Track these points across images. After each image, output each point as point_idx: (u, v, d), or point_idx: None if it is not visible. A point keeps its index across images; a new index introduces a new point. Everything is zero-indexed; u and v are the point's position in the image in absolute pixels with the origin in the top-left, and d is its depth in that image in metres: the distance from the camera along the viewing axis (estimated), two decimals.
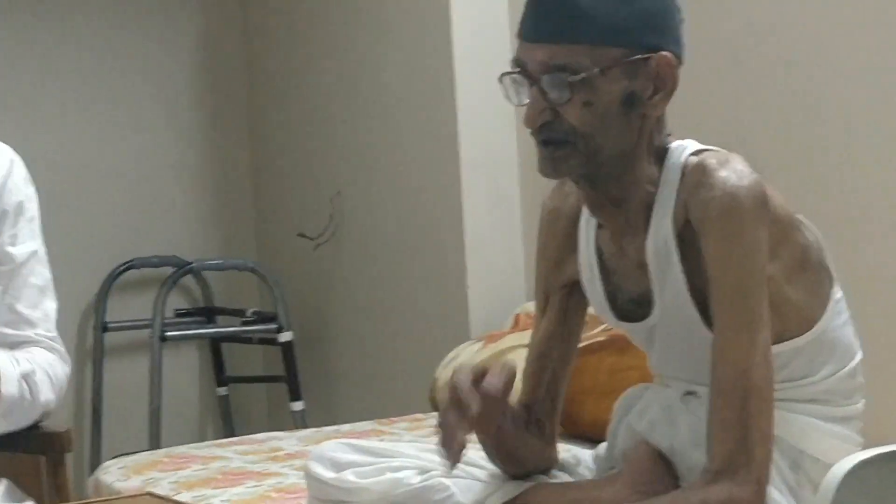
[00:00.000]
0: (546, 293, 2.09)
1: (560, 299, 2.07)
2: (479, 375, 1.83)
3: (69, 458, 2.43)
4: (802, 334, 1.91)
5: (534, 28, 1.85)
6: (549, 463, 2.10)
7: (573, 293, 2.07)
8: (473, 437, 1.99)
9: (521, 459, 2.04)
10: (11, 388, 2.21)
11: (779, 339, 1.86)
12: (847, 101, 2.94)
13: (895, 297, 2.86)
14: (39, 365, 2.31)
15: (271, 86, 4.85)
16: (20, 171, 2.37)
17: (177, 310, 4.81)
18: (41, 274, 2.37)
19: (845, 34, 2.92)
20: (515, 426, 2.01)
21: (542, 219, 2.09)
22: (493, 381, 1.83)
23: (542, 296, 2.10)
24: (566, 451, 2.22)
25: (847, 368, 1.96)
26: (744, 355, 1.78)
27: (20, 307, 2.33)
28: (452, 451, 1.83)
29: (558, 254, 2.06)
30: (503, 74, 1.89)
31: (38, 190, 2.42)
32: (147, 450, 3.81)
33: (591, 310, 2.11)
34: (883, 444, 1.11)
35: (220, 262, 4.73)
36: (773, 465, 1.81)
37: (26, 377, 2.26)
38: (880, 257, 2.87)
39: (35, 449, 2.37)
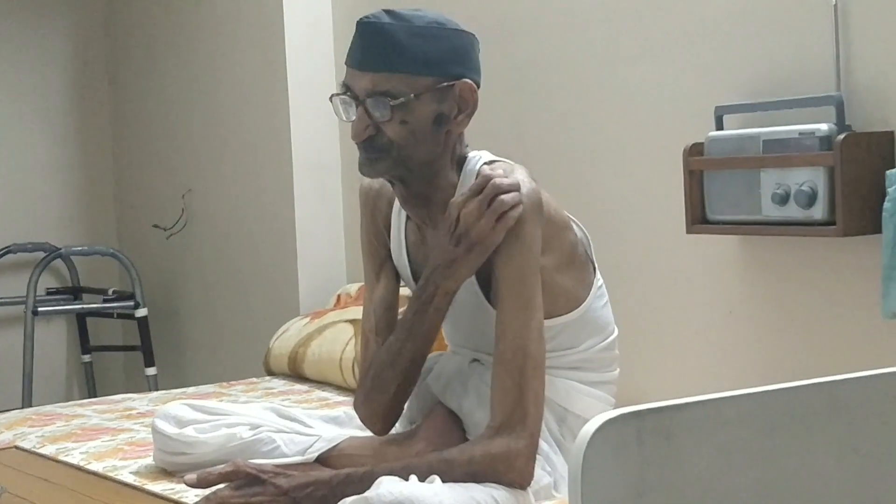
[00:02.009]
0: (378, 261, 2.05)
1: (392, 267, 2.05)
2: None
3: None
4: (569, 313, 1.94)
5: (360, 58, 1.85)
6: None
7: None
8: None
9: None
10: None
11: (549, 316, 1.88)
12: (605, 122, 2.98)
13: (645, 285, 2.90)
14: None
15: (131, 94, 4.73)
16: None
17: (48, 289, 4.70)
18: None
19: (612, 69, 2.97)
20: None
21: (367, 197, 2.06)
22: None
23: (373, 264, 2.06)
24: None
25: (605, 342, 2.00)
26: (521, 332, 1.79)
27: None
28: None
29: (381, 227, 2.05)
30: (333, 95, 1.89)
31: None
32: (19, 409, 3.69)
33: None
34: (628, 406, 1.13)
35: (85, 248, 4.62)
36: (543, 422, 1.83)
37: None
38: (634, 251, 2.92)
39: None
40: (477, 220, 1.79)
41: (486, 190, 1.80)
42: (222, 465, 1.80)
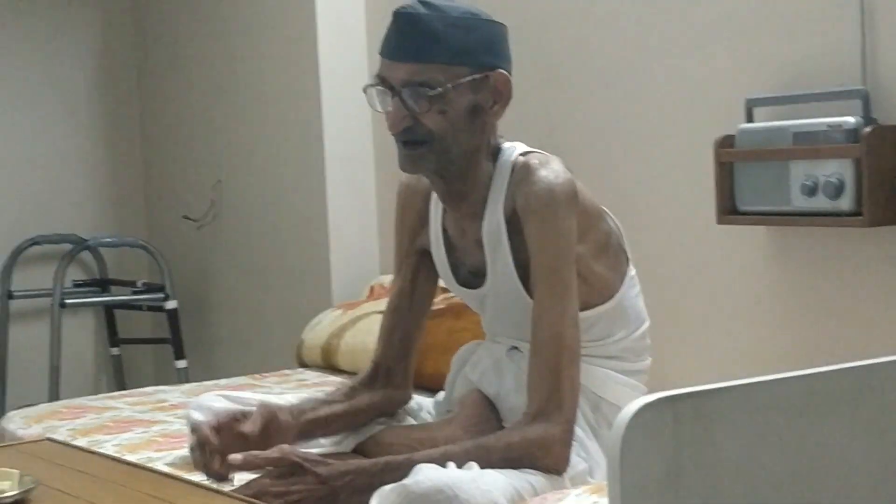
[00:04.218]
0: (402, 257, 2.11)
1: (413, 263, 2.10)
2: (225, 420, 1.88)
3: None
4: (604, 303, 1.98)
5: (396, 49, 1.88)
6: (399, 405, 2.13)
7: (424, 258, 2.10)
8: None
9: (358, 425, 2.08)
10: None
11: (584, 307, 1.92)
12: (636, 114, 3.03)
13: (675, 275, 2.95)
14: None
15: (160, 85, 4.76)
16: None
17: (75, 281, 4.70)
18: None
19: (643, 62, 3.01)
20: (332, 413, 2.05)
21: (400, 193, 2.11)
22: (250, 427, 1.88)
23: (398, 260, 2.12)
24: (411, 399, 2.27)
25: (638, 332, 2.04)
26: (557, 320, 1.83)
27: None
28: (216, 477, 1.87)
29: (414, 224, 2.09)
30: (368, 86, 1.92)
31: None
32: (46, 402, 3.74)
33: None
34: (662, 391, 1.19)
35: (114, 239, 4.63)
36: (578, 409, 1.87)
37: None
38: (665, 242, 2.96)
39: None
40: None
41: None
42: (270, 450, 1.82)
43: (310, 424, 2.00)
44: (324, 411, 2.02)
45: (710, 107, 2.84)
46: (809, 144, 2.50)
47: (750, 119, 2.67)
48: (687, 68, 2.88)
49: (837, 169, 2.45)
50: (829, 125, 2.48)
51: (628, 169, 3.05)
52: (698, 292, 2.91)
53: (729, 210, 2.67)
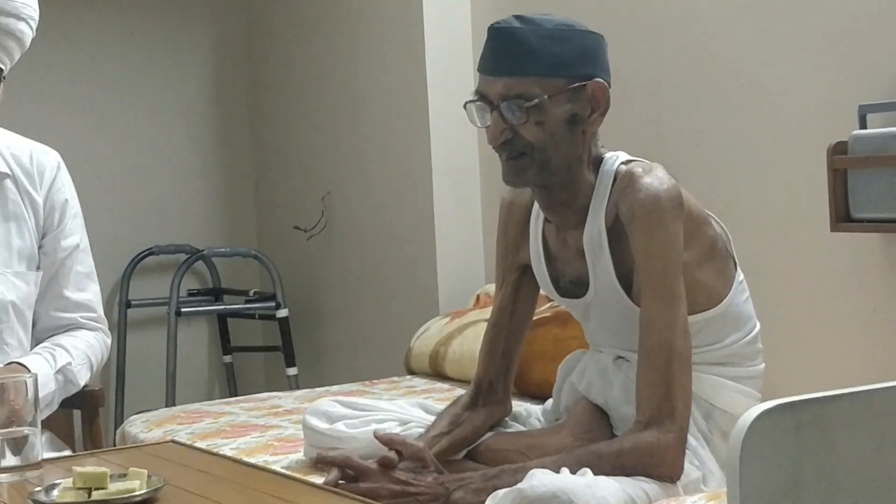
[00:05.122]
0: (503, 273, 2.13)
1: (514, 279, 2.11)
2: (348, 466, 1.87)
3: (101, 413, 2.40)
4: (710, 309, 1.96)
5: (493, 64, 1.90)
6: (500, 419, 2.14)
7: (525, 274, 2.11)
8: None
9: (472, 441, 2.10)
10: (47, 388, 2.14)
11: (689, 313, 1.89)
12: (745, 122, 2.99)
13: (789, 282, 2.91)
14: (80, 350, 2.24)
15: (271, 100, 4.83)
16: (65, 173, 2.29)
17: (189, 290, 4.79)
18: (85, 262, 2.30)
19: (753, 68, 2.98)
20: (453, 443, 2.06)
21: (502, 209, 2.13)
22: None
23: (500, 275, 2.14)
24: (519, 405, 2.26)
25: (748, 337, 2.01)
26: (666, 327, 1.82)
27: (68, 293, 2.27)
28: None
29: (515, 239, 2.10)
30: (467, 102, 1.93)
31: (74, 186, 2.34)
32: (163, 408, 3.80)
33: (541, 291, 2.17)
34: (778, 398, 1.17)
35: (226, 249, 4.71)
36: (690, 417, 1.86)
37: (62, 370, 2.19)
38: (778, 250, 2.93)
39: (74, 405, 2.33)
40: None
41: None
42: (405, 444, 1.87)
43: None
44: (436, 449, 2.02)
45: (822, 113, 2.79)
46: None
47: (863, 125, 2.61)
48: (799, 74, 2.84)
49: None
50: None
51: (739, 176, 3.02)
52: (811, 300, 2.86)
53: (843, 217, 2.62)
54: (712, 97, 3.08)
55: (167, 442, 2.23)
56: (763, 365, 2.06)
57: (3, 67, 2.09)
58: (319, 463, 1.89)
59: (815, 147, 2.69)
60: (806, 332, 2.87)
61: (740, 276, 2.03)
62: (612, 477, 1.73)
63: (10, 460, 1.73)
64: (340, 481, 1.85)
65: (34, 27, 2.13)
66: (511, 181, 1.94)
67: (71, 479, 1.61)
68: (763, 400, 1.82)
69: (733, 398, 1.97)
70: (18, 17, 2.08)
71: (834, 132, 2.66)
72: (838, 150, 2.62)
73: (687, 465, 1.83)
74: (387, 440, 1.89)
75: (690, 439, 1.88)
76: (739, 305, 2.01)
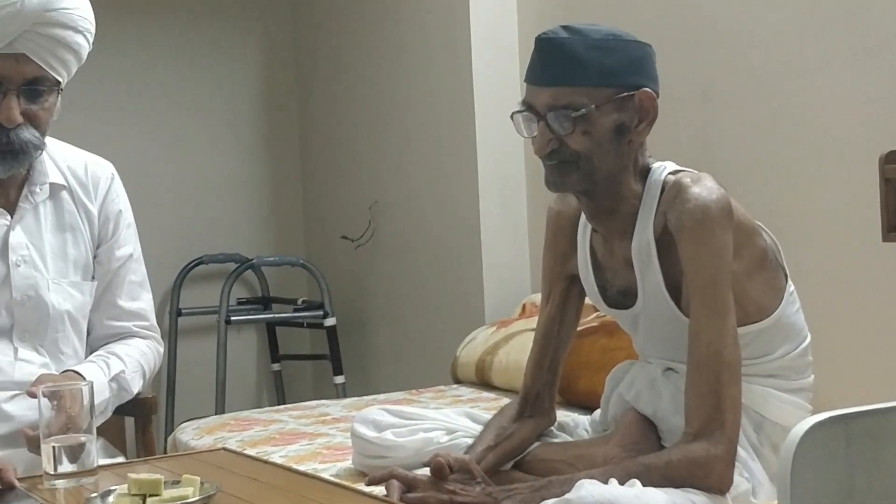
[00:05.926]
0: (550, 284, 2.12)
1: (562, 289, 2.11)
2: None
3: (153, 420, 2.43)
4: (761, 320, 1.94)
5: (540, 74, 1.89)
6: (549, 424, 2.15)
7: (573, 284, 2.10)
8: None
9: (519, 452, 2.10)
10: (102, 395, 2.15)
11: (739, 325, 1.87)
12: (795, 131, 2.98)
13: (840, 293, 2.88)
14: (133, 358, 2.26)
15: (318, 112, 4.87)
16: (119, 184, 2.31)
17: (239, 298, 4.84)
18: (138, 271, 2.32)
19: (802, 78, 2.96)
20: (499, 455, 2.05)
21: (550, 219, 2.12)
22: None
23: (547, 286, 2.13)
24: (567, 416, 2.26)
25: (799, 349, 1.99)
26: (716, 337, 1.80)
27: (121, 302, 2.28)
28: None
29: (564, 249, 2.09)
30: (514, 113, 1.92)
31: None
32: (213, 415, 3.83)
33: (587, 301, 2.16)
34: (829, 410, 1.16)
35: (275, 258, 4.74)
36: (740, 427, 1.83)
37: (116, 378, 2.20)
38: (829, 260, 2.90)
39: (127, 412, 2.35)
40: None
41: None
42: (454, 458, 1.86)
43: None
44: (484, 464, 2.01)
45: (874, 121, 2.76)
46: None
47: None
48: (849, 83, 2.82)
49: None
50: None
51: (789, 185, 3.00)
52: (862, 310, 2.83)
53: (895, 227, 2.59)
54: (761, 106, 3.07)
55: (219, 450, 2.25)
56: (812, 377, 2.04)
57: (61, 80, 2.11)
58: (372, 484, 1.89)
59: (867, 156, 2.67)
60: (857, 344, 2.84)
61: (791, 287, 2.00)
62: (660, 488, 1.72)
63: (67, 467, 1.75)
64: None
65: (91, 40, 2.15)
66: (553, 186, 1.94)
67: (125, 486, 1.63)
68: (813, 412, 1.81)
69: (784, 409, 1.95)
70: (76, 30, 2.10)
71: (886, 141, 2.63)
72: (891, 159, 2.59)
73: (736, 476, 1.81)
74: (437, 468, 1.87)
75: (740, 451, 1.86)
76: (790, 317, 1.99)
